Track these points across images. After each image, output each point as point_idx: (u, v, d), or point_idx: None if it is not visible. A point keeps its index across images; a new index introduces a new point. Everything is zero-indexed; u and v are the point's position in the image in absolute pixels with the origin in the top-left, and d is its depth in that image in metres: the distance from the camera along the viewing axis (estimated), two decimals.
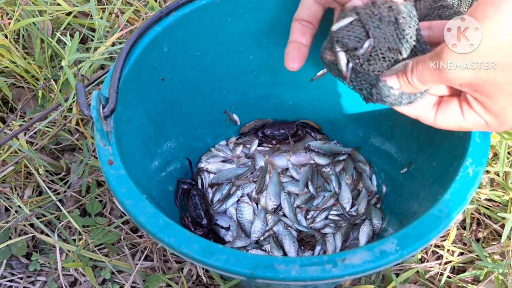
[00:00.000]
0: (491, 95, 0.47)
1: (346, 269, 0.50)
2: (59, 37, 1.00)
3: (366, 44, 0.54)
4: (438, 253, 0.99)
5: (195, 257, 0.51)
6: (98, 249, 0.97)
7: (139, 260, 0.95)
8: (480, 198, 0.99)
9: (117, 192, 0.56)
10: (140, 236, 1.00)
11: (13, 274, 0.96)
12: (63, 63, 0.84)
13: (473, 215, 1.02)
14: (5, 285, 0.95)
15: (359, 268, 0.51)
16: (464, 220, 1.03)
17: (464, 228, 1.03)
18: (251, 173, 1.01)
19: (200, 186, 0.98)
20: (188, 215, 0.91)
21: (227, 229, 0.94)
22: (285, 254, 0.89)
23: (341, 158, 1.03)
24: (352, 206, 0.97)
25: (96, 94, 0.57)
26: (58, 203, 0.87)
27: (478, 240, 1.01)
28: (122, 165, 0.58)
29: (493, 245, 0.98)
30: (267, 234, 0.93)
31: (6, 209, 1.03)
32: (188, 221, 0.90)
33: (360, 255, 0.51)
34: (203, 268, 0.93)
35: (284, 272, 0.50)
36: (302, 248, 0.91)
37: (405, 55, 0.53)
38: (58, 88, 0.88)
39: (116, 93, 0.61)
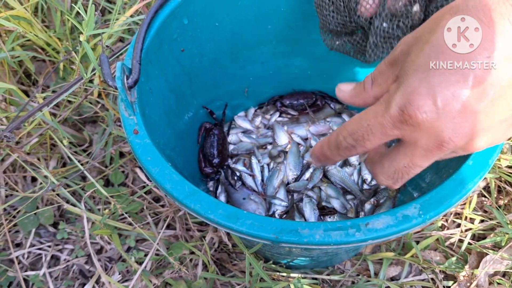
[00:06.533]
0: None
1: (369, 233, 0.51)
2: (77, 9, 1.01)
3: None
4: (458, 220, 0.99)
5: (221, 222, 0.53)
6: (121, 219, 1.00)
7: (162, 229, 0.97)
8: (501, 165, 0.99)
9: (143, 160, 0.57)
10: (163, 206, 1.02)
11: (41, 243, 0.99)
12: (81, 38, 0.84)
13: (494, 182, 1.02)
14: (34, 253, 0.98)
15: (382, 232, 0.51)
16: (484, 188, 1.03)
17: (485, 196, 1.03)
18: (270, 143, 1.02)
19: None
20: (204, 151, 0.95)
21: (239, 177, 0.96)
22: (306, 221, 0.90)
23: None
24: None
25: (120, 65, 0.58)
26: (86, 172, 0.89)
27: (499, 207, 1.01)
28: (147, 134, 0.59)
29: None
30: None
31: (33, 180, 1.06)
32: (201, 157, 0.93)
33: (383, 219, 0.52)
34: (227, 234, 0.95)
35: (308, 237, 0.51)
36: (322, 217, 0.91)
37: None
38: (78, 59, 0.89)
39: (139, 63, 0.62)
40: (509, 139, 1.00)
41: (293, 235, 0.51)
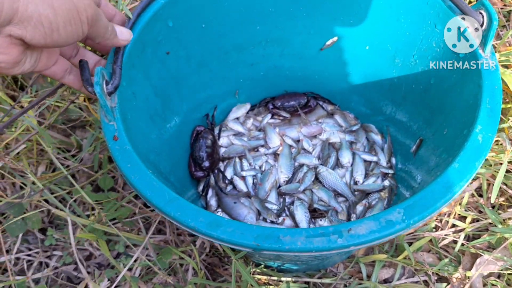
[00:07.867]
0: None
1: (352, 239, 0.50)
2: None
3: None
4: (452, 220, 0.98)
5: (201, 230, 0.52)
6: (112, 224, 0.99)
7: (153, 234, 0.96)
8: (502, 160, 0.97)
9: (122, 167, 0.56)
10: (153, 210, 1.01)
11: (30, 249, 0.98)
12: None
13: (488, 181, 1.00)
14: (23, 259, 0.97)
15: (364, 238, 0.50)
16: (480, 187, 1.02)
17: (480, 195, 1.01)
18: (262, 145, 1.00)
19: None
20: (193, 155, 0.94)
21: (230, 181, 0.96)
22: (297, 224, 0.89)
23: (354, 128, 1.02)
24: (366, 176, 0.96)
25: (99, 70, 0.57)
26: (69, 177, 0.88)
27: (493, 206, 1.00)
28: (127, 141, 0.58)
29: (508, 211, 0.97)
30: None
31: (22, 187, 1.05)
32: (191, 161, 0.93)
33: (366, 225, 0.51)
34: None
35: (289, 243, 0.50)
36: (313, 220, 0.90)
37: None
38: None
39: (119, 68, 0.61)
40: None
41: (275, 242, 0.51)
